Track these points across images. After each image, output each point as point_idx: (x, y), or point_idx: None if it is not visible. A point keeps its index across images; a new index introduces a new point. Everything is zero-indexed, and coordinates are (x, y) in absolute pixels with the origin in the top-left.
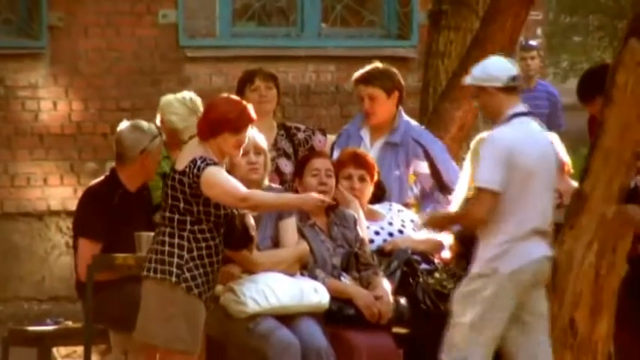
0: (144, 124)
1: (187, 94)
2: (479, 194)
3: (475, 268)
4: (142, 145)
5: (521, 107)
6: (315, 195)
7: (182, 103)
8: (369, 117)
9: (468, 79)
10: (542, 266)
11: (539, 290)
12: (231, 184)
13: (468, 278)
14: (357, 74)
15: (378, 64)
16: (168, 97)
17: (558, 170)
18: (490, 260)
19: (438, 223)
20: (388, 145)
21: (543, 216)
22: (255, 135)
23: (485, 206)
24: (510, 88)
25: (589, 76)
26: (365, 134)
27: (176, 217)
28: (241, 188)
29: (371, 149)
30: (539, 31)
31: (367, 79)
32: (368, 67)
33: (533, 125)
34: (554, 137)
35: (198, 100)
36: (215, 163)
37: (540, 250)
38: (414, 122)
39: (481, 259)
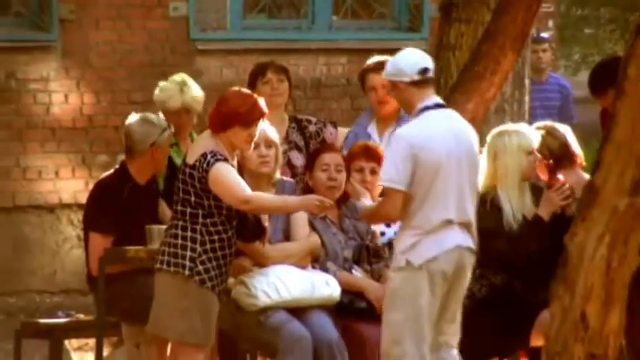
0: (153, 117)
1: (179, 75)
2: (385, 193)
3: (393, 262)
4: (152, 138)
5: (433, 99)
6: (314, 197)
7: (170, 81)
8: (381, 106)
9: (383, 74)
10: (456, 256)
11: (464, 281)
12: (235, 185)
13: (390, 274)
14: (369, 64)
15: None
16: (163, 82)
17: (478, 159)
18: (402, 253)
19: (365, 216)
20: None
21: (457, 207)
22: (266, 128)
23: (392, 204)
24: (420, 82)
25: (601, 68)
26: (372, 130)
27: (188, 210)
28: (245, 190)
29: (381, 142)
30: (550, 23)
31: (383, 68)
32: (377, 58)
33: (446, 118)
34: (566, 129)
35: (190, 80)
36: (225, 159)
37: (453, 240)
38: None
39: (396, 253)
